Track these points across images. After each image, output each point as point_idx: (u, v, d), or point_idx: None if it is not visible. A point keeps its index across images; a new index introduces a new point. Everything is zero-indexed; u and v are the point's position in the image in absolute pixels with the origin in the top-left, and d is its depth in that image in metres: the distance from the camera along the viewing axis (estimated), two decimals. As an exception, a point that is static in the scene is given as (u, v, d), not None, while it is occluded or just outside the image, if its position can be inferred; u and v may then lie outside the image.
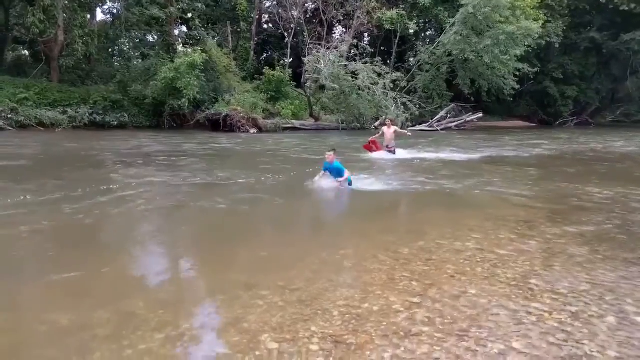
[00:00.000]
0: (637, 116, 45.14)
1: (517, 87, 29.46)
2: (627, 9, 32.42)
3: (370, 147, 12.85)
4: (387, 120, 14.08)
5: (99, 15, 26.96)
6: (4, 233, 5.01)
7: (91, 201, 6.48)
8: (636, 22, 35.14)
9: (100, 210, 6.13)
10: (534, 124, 37.95)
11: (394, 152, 12.89)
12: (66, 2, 21.92)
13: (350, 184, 8.06)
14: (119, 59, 27.95)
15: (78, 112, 20.09)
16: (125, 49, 27.06)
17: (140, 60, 25.58)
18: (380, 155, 12.63)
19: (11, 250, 4.54)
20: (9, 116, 18.34)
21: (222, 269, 4.22)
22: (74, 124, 19.86)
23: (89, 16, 24.76)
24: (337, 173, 7.99)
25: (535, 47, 29.88)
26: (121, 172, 9.27)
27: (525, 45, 27.47)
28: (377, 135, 13.27)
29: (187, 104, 20.58)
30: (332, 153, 8.02)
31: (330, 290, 3.58)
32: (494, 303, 3.36)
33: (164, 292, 3.68)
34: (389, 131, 12.92)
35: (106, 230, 5.56)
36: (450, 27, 27.67)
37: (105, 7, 26.43)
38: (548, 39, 31.71)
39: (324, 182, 8.10)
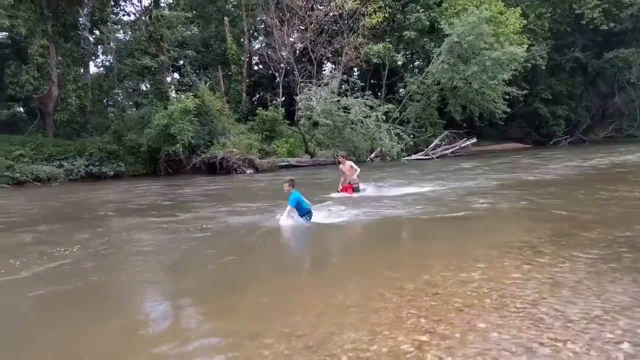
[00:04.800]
0: (629, 130, 45.75)
1: (508, 110, 29.82)
2: (606, 28, 33.23)
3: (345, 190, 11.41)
4: (339, 156, 12.24)
5: (92, 68, 27.51)
6: None
7: (87, 253, 6.39)
8: (617, 40, 36.01)
9: (96, 262, 6.04)
10: (529, 145, 38.21)
11: (357, 190, 11.42)
12: (59, 58, 22.36)
13: (308, 216, 8.18)
14: (113, 109, 28.30)
15: (74, 165, 20.17)
16: (119, 99, 27.45)
17: (134, 109, 25.91)
18: (342, 195, 11.20)
19: (5, 312, 4.43)
20: (5, 174, 18.35)
21: (225, 318, 4.11)
22: (71, 177, 19.91)
23: (82, 70, 25.21)
24: (298, 207, 8.07)
25: (522, 70, 30.46)
26: (116, 223, 9.21)
27: (511, 69, 28.01)
28: (341, 180, 11.75)
29: (181, 149, 20.71)
30: (286, 184, 8.20)
31: (337, 334, 3.47)
32: (505, 336, 3.26)
33: (165, 346, 3.54)
34: (345, 167, 11.60)
35: (104, 285, 5.44)
36: (437, 56, 28.25)
37: (98, 60, 27.04)
38: (534, 62, 32.33)
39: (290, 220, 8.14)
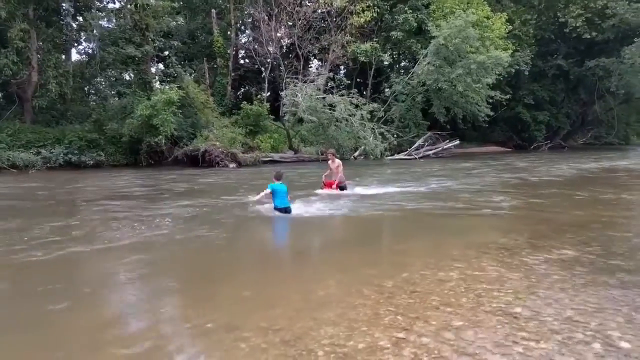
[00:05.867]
0: (607, 138, 46.88)
1: (491, 113, 30.19)
2: (588, 37, 33.92)
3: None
4: (329, 153, 12.01)
5: (74, 55, 26.96)
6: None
7: (65, 243, 6.28)
8: (599, 49, 36.79)
9: (74, 252, 5.94)
10: (510, 149, 38.79)
11: (345, 188, 11.30)
12: (40, 43, 21.87)
13: (284, 210, 8.40)
14: (94, 97, 27.79)
15: (52, 153, 19.74)
16: (101, 87, 26.95)
17: (116, 99, 25.47)
18: (328, 192, 11.06)
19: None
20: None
21: (203, 310, 4.08)
22: (48, 164, 19.49)
23: (63, 56, 24.69)
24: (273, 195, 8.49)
25: (506, 75, 30.83)
26: (95, 213, 9.06)
27: (496, 73, 28.33)
28: (326, 173, 11.68)
29: (163, 141, 20.45)
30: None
31: (315, 329, 3.49)
32: (480, 335, 3.32)
33: (142, 338, 3.51)
34: (333, 165, 11.35)
35: (79, 276, 5.36)
36: (423, 58, 28.45)
37: (80, 47, 26.49)
38: (517, 67, 32.78)
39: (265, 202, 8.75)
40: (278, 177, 8.68)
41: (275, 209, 8.44)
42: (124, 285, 4.97)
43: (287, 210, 8.44)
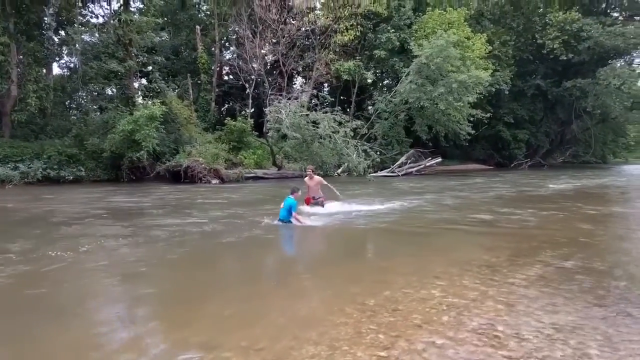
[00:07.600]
0: (584, 157, 47.97)
1: (473, 131, 30.64)
2: (565, 58, 34.90)
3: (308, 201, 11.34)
4: (308, 169, 11.98)
5: (55, 69, 26.70)
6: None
7: (41, 262, 6.13)
8: (575, 70, 37.84)
9: (50, 271, 5.79)
10: (491, 167, 39.37)
11: (322, 205, 11.13)
12: (20, 57, 21.62)
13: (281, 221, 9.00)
14: (75, 112, 27.46)
15: (30, 168, 19.37)
16: (82, 102, 26.67)
17: (98, 114, 25.22)
18: (305, 209, 10.81)
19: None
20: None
21: (183, 330, 3.99)
22: (26, 179, 19.10)
23: (44, 70, 24.43)
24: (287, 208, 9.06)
25: (487, 94, 31.41)
26: (75, 230, 8.88)
27: (476, 92, 28.83)
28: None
29: (145, 156, 20.25)
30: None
31: (296, 348, 3.45)
32: (461, 353, 3.31)
33: (118, 358, 3.43)
34: (311, 182, 11.29)
35: (57, 294, 5.21)
36: (405, 76, 28.83)
37: (62, 61, 26.26)
38: (498, 86, 33.46)
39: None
40: (291, 192, 9.35)
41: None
42: (99, 304, 4.85)
43: (282, 222, 9.01)
